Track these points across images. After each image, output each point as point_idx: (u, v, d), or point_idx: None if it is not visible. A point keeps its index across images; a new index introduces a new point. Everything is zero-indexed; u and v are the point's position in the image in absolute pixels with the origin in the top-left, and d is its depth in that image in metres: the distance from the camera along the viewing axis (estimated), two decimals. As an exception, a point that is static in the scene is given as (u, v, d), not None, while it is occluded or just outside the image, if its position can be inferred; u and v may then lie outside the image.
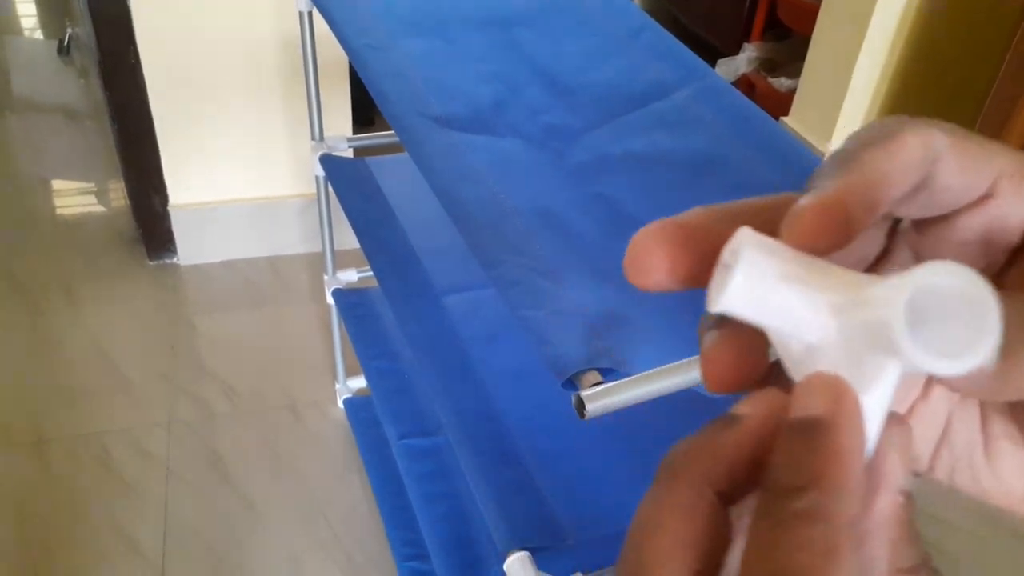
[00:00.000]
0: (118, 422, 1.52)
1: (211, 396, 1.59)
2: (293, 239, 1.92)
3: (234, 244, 1.90)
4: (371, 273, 1.35)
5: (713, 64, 2.51)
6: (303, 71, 1.18)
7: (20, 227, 1.98)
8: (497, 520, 0.70)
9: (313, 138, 1.23)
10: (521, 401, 0.83)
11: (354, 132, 1.84)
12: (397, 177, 1.23)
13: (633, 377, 0.53)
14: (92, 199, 2.12)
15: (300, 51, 1.15)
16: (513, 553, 0.67)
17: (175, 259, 1.89)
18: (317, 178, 1.24)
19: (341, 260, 1.39)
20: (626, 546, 0.20)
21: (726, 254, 0.20)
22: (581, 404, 0.50)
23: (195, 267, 1.89)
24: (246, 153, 1.79)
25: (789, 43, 2.41)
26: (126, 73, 1.65)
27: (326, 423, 1.56)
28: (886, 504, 0.19)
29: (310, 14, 1.12)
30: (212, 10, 1.60)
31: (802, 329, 0.20)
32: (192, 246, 1.87)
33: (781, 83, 2.28)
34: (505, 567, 0.67)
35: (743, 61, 2.41)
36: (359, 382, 1.55)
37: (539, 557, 0.68)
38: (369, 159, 1.26)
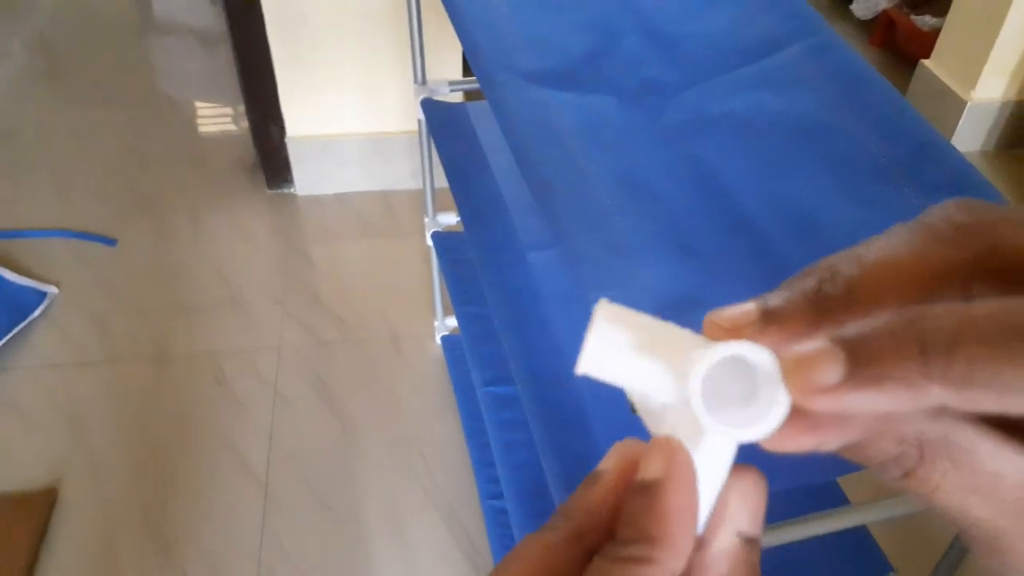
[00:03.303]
0: (233, 343, 1.61)
1: (319, 324, 1.66)
2: (403, 174, 1.95)
3: (347, 177, 1.94)
4: (470, 216, 1.36)
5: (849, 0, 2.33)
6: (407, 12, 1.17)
7: (152, 146, 2.09)
8: (560, 490, 0.70)
9: (415, 81, 1.22)
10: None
11: (465, 75, 1.82)
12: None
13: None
14: (220, 123, 2.21)
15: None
16: (572, 522, 0.68)
17: (292, 189, 1.96)
18: (419, 121, 1.25)
19: (444, 202, 1.40)
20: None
21: (590, 321, 0.23)
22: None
23: (311, 198, 1.96)
24: (358, 89, 1.82)
25: (940, -25, 2.20)
26: (247, 8, 1.69)
27: (425, 358, 1.60)
28: (723, 542, 0.22)
29: (415, -45, 1.10)
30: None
31: (653, 391, 0.22)
32: (308, 177, 1.93)
33: (925, 21, 2.09)
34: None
35: (886, -5, 2.22)
36: (456, 321, 1.58)
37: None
38: (471, 104, 1.25)
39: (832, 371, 0.19)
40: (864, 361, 0.18)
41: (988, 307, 0.18)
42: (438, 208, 1.37)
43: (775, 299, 0.21)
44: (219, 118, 2.23)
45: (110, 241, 1.81)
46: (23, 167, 2.02)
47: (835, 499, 0.98)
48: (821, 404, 0.19)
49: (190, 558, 1.27)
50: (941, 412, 0.19)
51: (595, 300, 0.60)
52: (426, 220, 1.38)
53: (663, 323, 0.22)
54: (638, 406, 0.24)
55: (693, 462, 0.21)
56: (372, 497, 1.38)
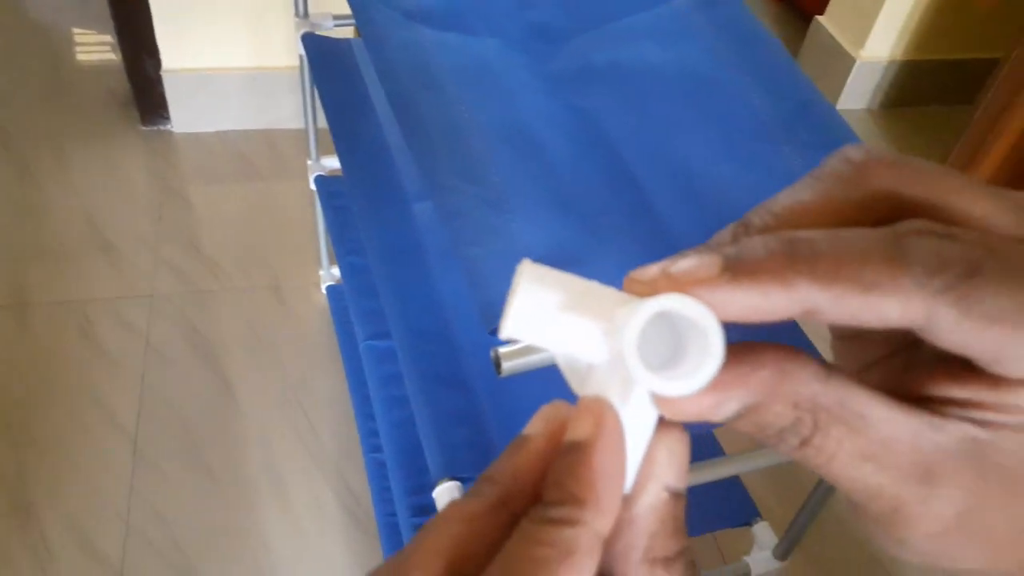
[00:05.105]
0: (101, 291, 1.51)
1: (196, 271, 1.57)
2: (288, 113, 1.85)
3: (229, 114, 1.83)
4: (356, 161, 1.30)
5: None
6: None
7: (14, 76, 1.92)
8: (432, 446, 0.68)
9: (297, 13, 1.15)
10: (479, 324, 0.80)
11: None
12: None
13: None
14: (91, 53, 2.04)
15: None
16: (444, 482, 0.66)
17: (169, 126, 1.84)
18: (300, 57, 1.17)
19: (331, 144, 1.33)
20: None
21: (514, 283, 0.22)
22: (499, 360, 0.47)
23: (189, 135, 1.84)
24: (241, 19, 1.70)
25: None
26: (115, -78, 1.55)
27: (309, 308, 1.55)
28: (650, 496, 0.22)
29: None
30: None
31: (580, 352, 0.22)
32: (186, 113, 1.81)
33: (820, -21, 2.12)
34: (435, 495, 0.66)
35: (783, -49, 2.24)
36: (343, 270, 1.53)
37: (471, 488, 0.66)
38: (356, 40, 1.19)
39: (710, 266, 0.20)
40: (738, 260, 0.19)
41: (857, 230, 0.19)
42: (323, 150, 1.31)
43: (692, 257, 0.21)
44: (90, 47, 2.06)
45: (-39, 178, 1.65)
46: None
47: (712, 451, 1.00)
48: (701, 295, 0.20)
49: (50, 520, 1.20)
50: (810, 311, 0.19)
51: (470, 256, 0.57)
52: (309, 163, 1.31)
53: (588, 282, 0.22)
54: (563, 369, 0.23)
55: (621, 422, 0.21)
56: (251, 453, 1.32)
